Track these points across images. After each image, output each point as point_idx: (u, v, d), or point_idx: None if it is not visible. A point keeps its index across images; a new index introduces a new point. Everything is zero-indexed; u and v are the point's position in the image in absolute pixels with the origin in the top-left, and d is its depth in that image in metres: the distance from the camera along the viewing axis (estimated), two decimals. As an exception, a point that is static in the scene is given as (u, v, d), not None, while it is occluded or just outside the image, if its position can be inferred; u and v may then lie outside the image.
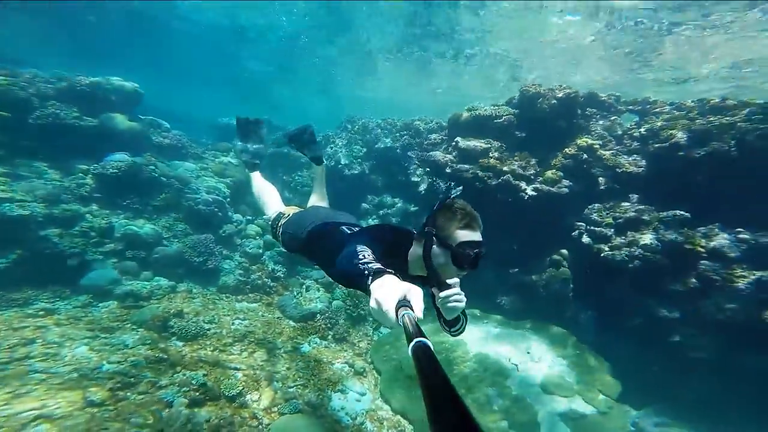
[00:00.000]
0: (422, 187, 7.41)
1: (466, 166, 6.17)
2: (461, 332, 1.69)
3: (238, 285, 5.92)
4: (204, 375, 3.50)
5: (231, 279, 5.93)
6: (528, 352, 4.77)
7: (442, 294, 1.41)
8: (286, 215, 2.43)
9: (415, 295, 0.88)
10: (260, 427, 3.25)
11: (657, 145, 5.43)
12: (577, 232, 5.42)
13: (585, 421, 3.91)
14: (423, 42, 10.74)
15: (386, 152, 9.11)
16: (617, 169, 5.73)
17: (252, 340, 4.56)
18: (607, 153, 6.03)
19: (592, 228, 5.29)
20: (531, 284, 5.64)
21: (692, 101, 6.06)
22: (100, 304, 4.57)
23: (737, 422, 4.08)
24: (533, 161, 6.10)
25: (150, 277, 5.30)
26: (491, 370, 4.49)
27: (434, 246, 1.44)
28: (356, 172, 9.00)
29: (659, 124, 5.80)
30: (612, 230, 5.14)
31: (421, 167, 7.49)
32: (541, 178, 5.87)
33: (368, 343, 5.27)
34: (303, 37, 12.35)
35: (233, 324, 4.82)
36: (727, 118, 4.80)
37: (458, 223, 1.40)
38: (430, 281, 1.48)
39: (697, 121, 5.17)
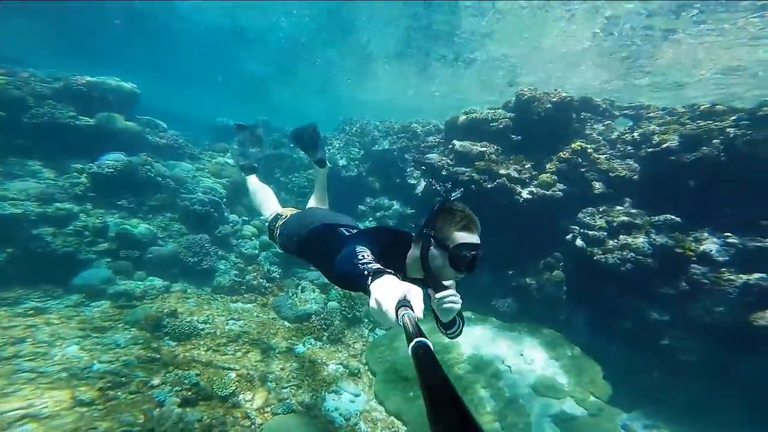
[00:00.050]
0: (419, 190, 7.45)
1: (462, 168, 6.22)
2: (458, 335, 1.69)
3: (233, 285, 5.91)
4: (197, 375, 3.49)
5: (226, 279, 5.91)
6: (521, 354, 4.79)
7: (438, 295, 1.41)
8: (283, 216, 2.42)
9: (415, 295, 0.88)
10: (253, 427, 3.24)
11: (649, 150, 5.52)
12: (571, 235, 5.47)
13: (576, 422, 3.94)
14: (423, 45, 10.83)
15: (384, 154, 9.16)
16: (611, 173, 5.80)
17: (246, 340, 4.55)
18: (601, 157, 6.10)
19: (585, 231, 5.34)
20: (525, 287, 5.67)
21: (683, 107, 6.16)
22: (93, 304, 4.55)
23: (726, 424, 4.12)
24: (528, 165, 6.17)
25: (144, 277, 5.28)
26: (485, 371, 4.51)
27: (432, 247, 1.44)
28: (353, 173, 9.03)
29: (652, 128, 5.89)
30: (605, 234, 5.19)
31: (418, 170, 7.54)
32: (536, 182, 5.92)
33: (363, 345, 5.27)
34: (302, 38, 12.42)
35: (227, 324, 4.80)
36: (717, 124, 4.90)
37: (456, 224, 1.40)
38: (428, 283, 1.49)
39: (688, 126, 5.26)
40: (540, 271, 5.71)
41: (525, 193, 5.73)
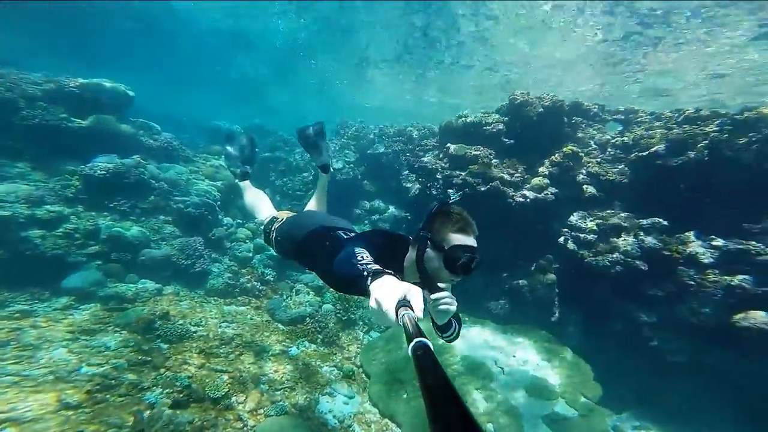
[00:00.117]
0: (414, 193, 7.50)
1: (456, 172, 6.29)
2: (454, 338, 1.67)
3: (227, 288, 5.87)
4: (188, 377, 3.45)
5: (219, 282, 5.87)
6: (514, 356, 4.83)
7: (433, 297, 1.40)
8: (279, 219, 2.41)
9: (415, 295, 0.88)
10: (245, 429, 3.21)
11: (638, 154, 5.65)
12: (562, 238, 5.56)
13: (567, 423, 3.98)
14: (420, 49, 10.97)
15: (379, 158, 9.22)
16: (601, 177, 5.91)
17: (239, 343, 4.52)
18: (592, 161, 6.23)
19: (576, 234, 5.43)
20: (518, 289, 5.73)
21: (670, 111, 6.33)
22: (82, 307, 4.48)
23: (715, 424, 4.19)
24: (521, 168, 6.26)
25: (136, 280, 5.23)
26: (478, 373, 4.54)
27: (428, 249, 1.43)
28: (348, 177, 9.06)
29: (640, 132, 6.03)
30: (595, 236, 5.28)
31: (413, 173, 7.60)
32: (528, 185, 6.02)
33: (358, 347, 5.26)
34: (300, 41, 12.49)
35: (220, 327, 4.77)
36: (701, 128, 5.04)
37: (452, 226, 1.40)
38: (423, 286, 1.47)
39: (674, 130, 5.40)
40: (532, 273, 5.77)
41: (518, 196, 5.81)
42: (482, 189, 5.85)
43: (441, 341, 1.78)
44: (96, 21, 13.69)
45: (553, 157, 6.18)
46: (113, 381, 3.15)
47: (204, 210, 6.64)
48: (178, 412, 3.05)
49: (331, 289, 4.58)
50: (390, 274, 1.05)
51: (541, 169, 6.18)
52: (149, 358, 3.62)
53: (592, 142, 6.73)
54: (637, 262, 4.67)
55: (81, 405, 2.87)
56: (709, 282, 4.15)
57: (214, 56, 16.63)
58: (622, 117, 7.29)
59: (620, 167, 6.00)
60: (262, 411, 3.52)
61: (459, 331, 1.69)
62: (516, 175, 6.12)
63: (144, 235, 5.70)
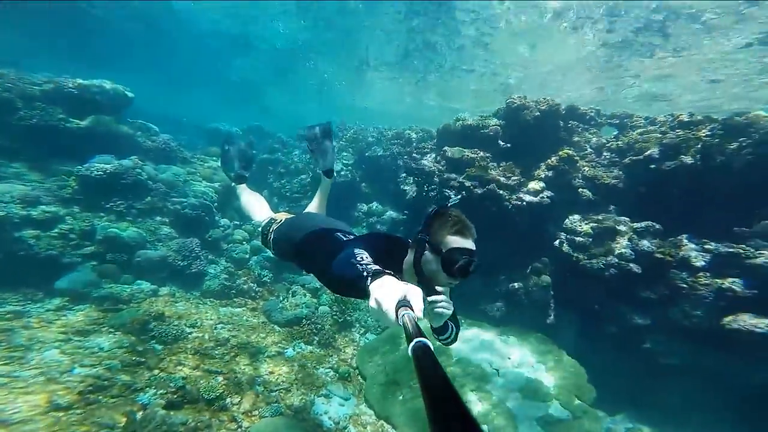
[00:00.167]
0: (411, 196, 7.54)
1: (453, 175, 6.33)
2: (452, 341, 1.66)
3: (223, 289, 5.86)
4: (183, 378, 3.44)
5: (215, 283, 5.86)
6: (509, 358, 4.84)
7: (429, 299, 1.39)
8: (277, 221, 2.40)
9: (415, 295, 0.88)
10: (239, 430, 3.20)
11: (633, 158, 5.71)
12: (558, 241, 5.60)
13: (561, 425, 3.99)
14: (420, 53, 11.06)
15: (377, 160, 9.26)
16: (596, 181, 5.97)
17: (235, 344, 4.51)
18: (587, 165, 6.29)
19: (571, 237, 5.47)
20: (514, 292, 5.76)
21: (664, 116, 6.41)
22: (75, 307, 4.46)
23: (708, 426, 4.22)
24: (517, 171, 6.31)
25: (131, 281, 5.21)
26: (473, 374, 4.55)
27: (426, 252, 1.43)
28: (346, 179, 9.09)
29: (635, 137, 6.10)
30: (590, 239, 5.33)
31: (410, 175, 7.64)
32: (524, 188, 6.06)
33: (354, 349, 5.26)
34: (300, 43, 12.56)
35: (216, 328, 4.76)
36: (693, 133, 5.11)
37: (450, 229, 1.40)
38: (421, 288, 1.49)
39: (668, 135, 5.47)
40: (528, 275, 5.80)
41: (514, 199, 5.86)
42: (479, 192, 5.89)
43: (437, 343, 1.78)
44: (96, 21, 13.71)
45: (549, 160, 6.24)
46: (106, 382, 3.13)
47: (201, 211, 6.64)
48: (171, 413, 3.04)
49: (328, 291, 4.58)
50: (390, 274, 1.05)
51: (537, 173, 6.23)
52: (143, 359, 3.61)
53: (587, 146, 6.80)
54: (631, 265, 4.72)
55: (72, 406, 2.85)
56: (701, 285, 4.19)
57: (213, 57, 16.67)
58: (618, 121, 7.37)
59: (615, 171, 6.06)
60: (256, 412, 3.51)
61: (457, 335, 1.69)
62: (513, 178, 6.17)
63: (140, 236, 5.69)
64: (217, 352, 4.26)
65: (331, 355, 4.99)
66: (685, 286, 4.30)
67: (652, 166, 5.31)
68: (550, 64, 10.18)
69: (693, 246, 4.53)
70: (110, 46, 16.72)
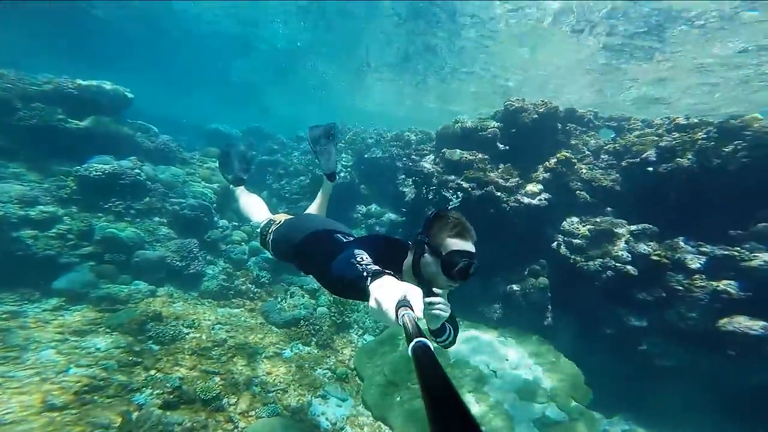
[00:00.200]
0: (410, 197, 7.56)
1: (452, 176, 6.35)
2: (450, 343, 1.66)
3: (221, 290, 5.86)
4: (180, 378, 3.44)
5: (213, 284, 5.86)
6: (506, 359, 4.85)
7: (427, 300, 1.37)
8: (276, 222, 2.40)
9: (415, 295, 0.88)
10: (236, 430, 3.20)
11: (630, 161, 5.75)
12: (555, 243, 5.62)
13: (558, 427, 4.00)
14: (420, 55, 11.10)
15: (376, 162, 9.28)
16: (593, 183, 6.00)
17: (232, 345, 4.51)
18: (585, 167, 6.32)
19: (569, 239, 5.49)
20: (511, 293, 5.77)
21: (660, 119, 6.45)
22: (73, 308, 4.46)
23: (703, 427, 4.23)
24: (516, 173, 6.34)
25: (129, 281, 5.21)
26: (471, 376, 4.55)
27: (426, 254, 1.42)
28: (345, 180, 9.11)
29: (632, 140, 6.14)
30: (587, 242, 5.35)
31: (409, 177, 7.66)
32: (522, 190, 6.09)
33: (352, 350, 5.26)
34: (300, 44, 12.61)
35: (213, 329, 4.76)
36: (690, 136, 5.15)
37: (450, 231, 1.39)
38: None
39: (665, 138, 5.51)
40: (526, 277, 5.82)
41: (512, 202, 5.88)
42: (477, 194, 5.91)
43: (434, 344, 1.78)
44: (96, 21, 13.74)
45: (547, 162, 6.27)
46: (102, 382, 3.13)
47: (200, 212, 6.64)
48: (167, 413, 3.04)
49: (327, 292, 4.59)
50: (390, 274, 1.05)
51: (535, 175, 6.26)
52: (140, 360, 3.61)
53: (585, 149, 6.83)
54: (628, 267, 4.74)
55: (67, 406, 2.85)
56: (697, 287, 4.21)
57: (213, 58, 16.70)
58: (615, 124, 7.41)
59: (613, 174, 6.09)
60: (253, 412, 3.51)
61: (455, 338, 1.69)
62: (511, 180, 6.19)
63: (138, 236, 5.69)
64: (214, 352, 4.25)
65: (329, 356, 4.99)
66: (681, 288, 4.33)
67: (649, 168, 5.35)
68: (550, 67, 10.22)
69: (689, 248, 4.55)
70: (110, 46, 16.74)
